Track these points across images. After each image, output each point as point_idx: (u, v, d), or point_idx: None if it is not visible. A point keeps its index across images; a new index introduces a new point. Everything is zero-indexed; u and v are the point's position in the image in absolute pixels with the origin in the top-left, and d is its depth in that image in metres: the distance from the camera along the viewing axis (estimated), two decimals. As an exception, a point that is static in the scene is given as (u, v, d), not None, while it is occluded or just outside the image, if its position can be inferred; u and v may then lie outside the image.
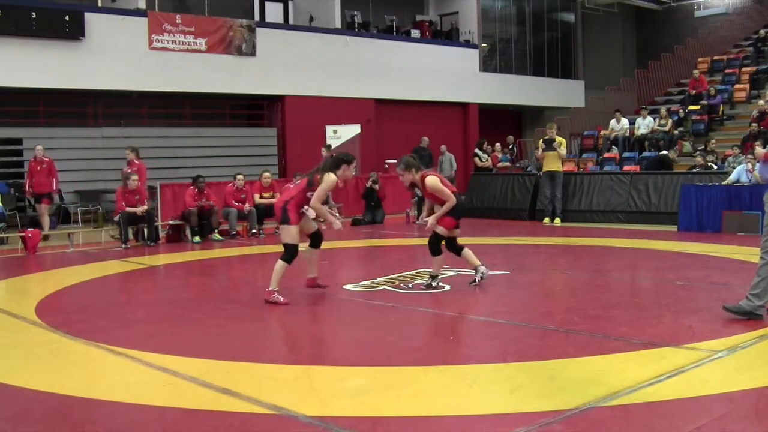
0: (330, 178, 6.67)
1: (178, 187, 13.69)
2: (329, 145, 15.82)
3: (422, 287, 7.43)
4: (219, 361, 4.89)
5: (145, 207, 12.17)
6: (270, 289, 6.70)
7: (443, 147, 20.51)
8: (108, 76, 16.72)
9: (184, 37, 17.79)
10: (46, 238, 13.03)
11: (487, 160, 18.62)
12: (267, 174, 13.85)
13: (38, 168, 13.32)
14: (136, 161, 13.05)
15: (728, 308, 5.75)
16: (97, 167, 16.60)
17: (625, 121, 19.20)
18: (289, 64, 19.46)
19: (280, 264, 6.65)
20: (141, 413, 3.97)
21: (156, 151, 17.55)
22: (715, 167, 14.62)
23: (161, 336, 5.80)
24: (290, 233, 6.65)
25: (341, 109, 19.58)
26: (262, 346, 5.52)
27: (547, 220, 14.54)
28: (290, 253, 6.63)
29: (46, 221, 13.49)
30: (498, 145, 20.00)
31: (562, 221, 14.41)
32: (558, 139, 14.46)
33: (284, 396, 4.17)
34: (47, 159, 13.45)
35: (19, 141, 16.17)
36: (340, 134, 17.95)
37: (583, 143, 20.80)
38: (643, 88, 24.35)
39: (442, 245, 7.28)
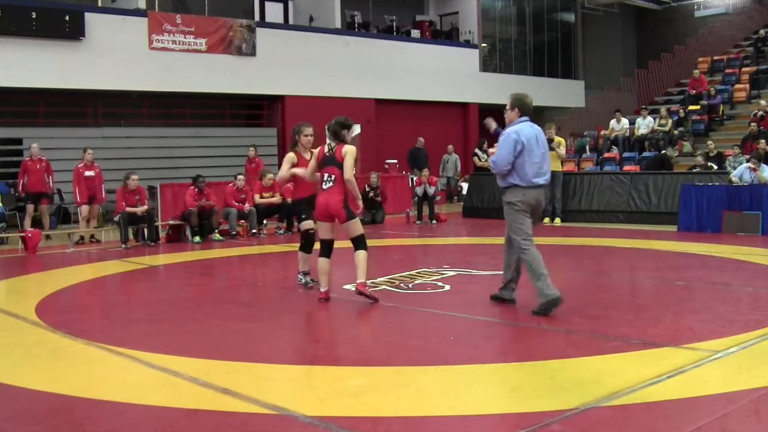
0: (352, 149, 6.68)
1: (178, 187, 13.68)
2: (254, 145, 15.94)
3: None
4: (219, 361, 4.89)
5: (145, 207, 12.18)
6: (363, 281, 6.57)
7: (450, 147, 20.55)
8: (108, 76, 16.73)
9: (184, 37, 17.79)
10: (48, 237, 13.04)
11: (486, 160, 18.60)
12: (270, 175, 13.75)
13: (36, 166, 13.19)
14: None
15: (493, 296, 6.56)
16: (97, 167, 16.61)
17: (625, 121, 19.21)
18: (289, 64, 19.46)
19: (363, 254, 6.59)
20: (141, 413, 3.97)
21: (156, 151, 17.60)
22: (716, 167, 14.61)
23: (161, 336, 5.80)
24: (359, 225, 6.65)
25: (341, 109, 19.21)
26: (262, 346, 5.51)
27: (547, 220, 14.52)
28: (365, 240, 6.66)
29: (47, 221, 13.51)
30: (501, 145, 19.99)
31: (562, 221, 14.41)
32: (557, 139, 14.45)
33: (284, 396, 4.17)
34: (44, 158, 13.41)
35: (19, 141, 16.16)
36: (340, 134, 17.89)
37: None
38: (643, 88, 24.35)
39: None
